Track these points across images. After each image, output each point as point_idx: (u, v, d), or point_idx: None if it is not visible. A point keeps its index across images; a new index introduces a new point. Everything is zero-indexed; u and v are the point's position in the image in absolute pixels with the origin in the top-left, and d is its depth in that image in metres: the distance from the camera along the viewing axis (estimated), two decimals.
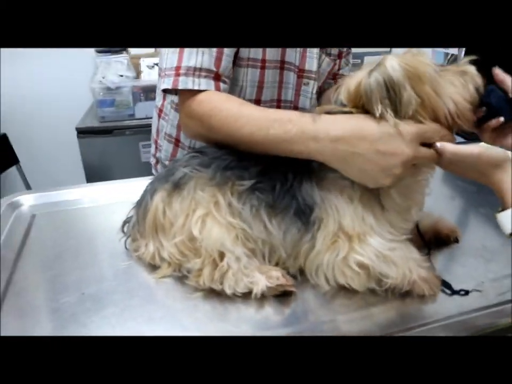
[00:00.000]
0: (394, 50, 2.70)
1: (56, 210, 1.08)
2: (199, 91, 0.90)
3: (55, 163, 2.75)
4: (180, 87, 0.90)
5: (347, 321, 0.74)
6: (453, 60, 2.14)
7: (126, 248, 0.90)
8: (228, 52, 0.94)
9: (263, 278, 0.77)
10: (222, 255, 0.78)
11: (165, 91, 0.96)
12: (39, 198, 1.12)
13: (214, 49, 0.91)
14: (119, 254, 0.89)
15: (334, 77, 1.30)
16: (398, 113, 0.72)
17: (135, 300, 0.78)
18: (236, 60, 1.02)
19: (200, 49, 0.91)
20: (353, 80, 0.76)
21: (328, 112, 0.78)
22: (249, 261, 0.78)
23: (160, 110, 1.25)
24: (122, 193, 1.10)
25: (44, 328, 0.72)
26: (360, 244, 0.77)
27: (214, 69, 0.91)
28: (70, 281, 0.82)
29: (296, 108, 1.16)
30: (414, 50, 0.76)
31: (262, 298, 0.77)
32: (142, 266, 0.85)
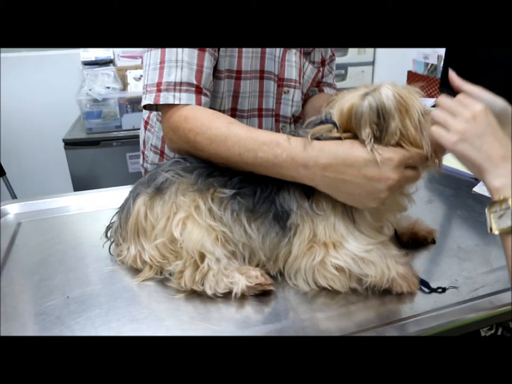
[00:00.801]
0: (378, 60, 2.76)
1: (41, 218, 1.10)
2: (182, 105, 0.91)
3: (43, 175, 2.76)
4: (161, 102, 0.92)
5: (326, 319, 0.76)
6: (433, 69, 2.20)
7: (110, 253, 0.92)
8: (207, 65, 0.95)
9: (243, 278, 0.79)
10: (202, 257, 0.80)
11: (146, 107, 0.98)
12: (24, 207, 1.14)
13: (194, 63, 0.93)
14: (103, 258, 0.91)
15: (318, 84, 1.34)
16: (381, 140, 0.75)
17: (119, 302, 0.80)
18: (215, 73, 1.04)
19: (180, 64, 0.92)
20: (346, 102, 0.78)
21: (318, 138, 0.79)
22: (229, 261, 0.81)
23: (146, 122, 1.28)
24: (108, 201, 1.13)
25: (28, 331, 0.74)
26: (336, 249, 0.80)
27: (195, 82, 0.93)
28: (54, 285, 0.84)
29: (277, 115, 1.20)
30: (410, 87, 0.79)
31: (243, 298, 0.80)
32: (125, 270, 0.87)
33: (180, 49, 0.92)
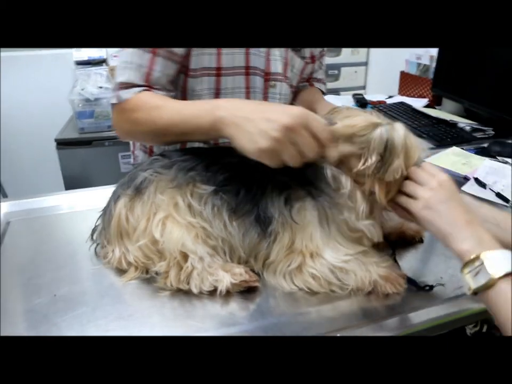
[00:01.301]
0: (371, 61, 2.78)
1: (31, 217, 1.11)
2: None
3: (35, 175, 2.76)
4: (117, 102, 1.00)
5: (311, 315, 0.78)
6: (425, 69, 2.22)
7: (96, 254, 0.93)
8: (159, 68, 1.00)
9: (227, 275, 0.80)
10: (185, 256, 0.81)
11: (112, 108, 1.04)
12: (13, 206, 1.15)
13: (145, 65, 0.99)
14: (91, 257, 0.92)
15: (308, 79, 1.36)
16: (380, 172, 0.77)
17: (106, 300, 0.81)
18: (188, 72, 1.08)
19: (130, 66, 0.99)
20: (356, 121, 0.79)
21: None
22: (212, 259, 0.82)
23: None
24: (99, 200, 1.13)
25: (16, 328, 0.75)
26: (312, 258, 0.82)
27: (143, 83, 0.99)
28: (42, 284, 0.85)
29: None
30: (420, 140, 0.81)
31: (228, 294, 0.81)
32: (112, 269, 0.88)
33: (134, 51, 0.99)
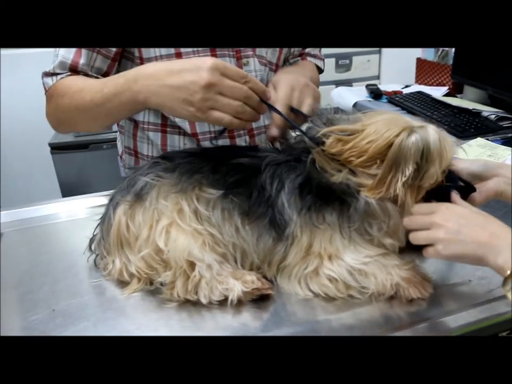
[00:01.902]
0: (385, 49, 2.76)
1: (25, 227, 1.11)
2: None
3: (29, 182, 2.77)
4: (46, 87, 1.04)
5: (329, 324, 0.77)
6: (444, 55, 2.20)
7: (96, 266, 0.92)
8: (83, 62, 1.03)
9: (238, 284, 0.79)
10: (192, 265, 0.80)
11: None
12: (6, 216, 1.14)
13: (69, 58, 1.02)
14: (90, 268, 0.92)
15: (301, 54, 1.34)
16: (415, 180, 0.77)
17: (108, 313, 0.80)
18: (142, 61, 1.09)
19: (56, 58, 1.03)
20: (381, 132, 0.78)
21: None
22: (221, 267, 0.81)
23: (118, 124, 1.29)
24: (96, 207, 1.13)
25: None
26: (330, 260, 0.81)
27: (68, 72, 1.03)
28: (39, 298, 0.85)
29: (251, 130, 1.20)
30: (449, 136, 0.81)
31: (239, 304, 0.80)
32: (113, 281, 0.88)
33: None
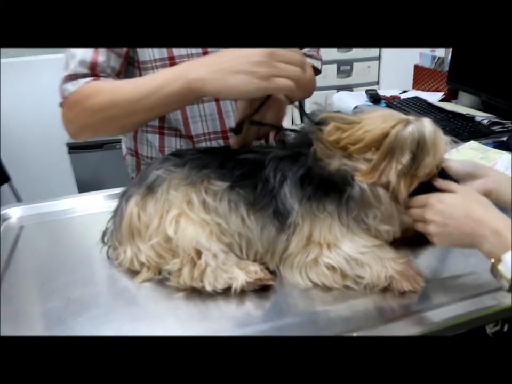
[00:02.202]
0: (384, 55, 2.76)
1: (44, 221, 1.12)
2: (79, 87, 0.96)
3: (48, 180, 2.79)
4: (65, 95, 0.97)
5: (327, 314, 0.78)
6: (440, 62, 2.20)
7: (108, 257, 0.93)
8: (103, 59, 0.98)
9: (242, 273, 0.80)
10: (199, 253, 0.81)
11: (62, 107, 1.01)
12: (27, 210, 1.16)
13: (89, 57, 0.97)
14: (104, 260, 0.93)
15: None
16: (411, 169, 0.78)
17: (119, 302, 0.82)
18: (139, 65, 1.07)
19: (73, 60, 0.97)
20: (377, 123, 0.79)
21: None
22: (226, 257, 0.82)
23: None
24: (111, 202, 1.14)
25: (31, 331, 0.76)
26: (329, 249, 0.82)
27: (89, 71, 0.97)
28: (56, 287, 0.86)
29: None
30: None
31: (242, 294, 0.81)
32: (125, 271, 0.89)
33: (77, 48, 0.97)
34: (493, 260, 0.69)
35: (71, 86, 0.96)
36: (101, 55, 0.98)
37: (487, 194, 0.82)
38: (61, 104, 1.00)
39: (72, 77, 0.97)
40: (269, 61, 0.79)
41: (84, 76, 0.96)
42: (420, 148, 0.77)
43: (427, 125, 0.78)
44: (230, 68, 0.80)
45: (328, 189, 0.82)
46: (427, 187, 0.80)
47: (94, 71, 0.97)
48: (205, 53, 1.07)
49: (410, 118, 0.79)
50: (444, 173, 0.82)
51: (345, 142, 0.79)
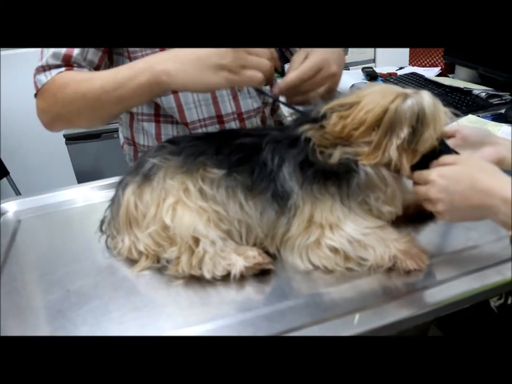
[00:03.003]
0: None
1: (41, 214, 1.11)
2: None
3: (46, 171, 2.78)
4: (39, 87, 0.96)
5: (330, 296, 0.76)
6: None
7: (107, 246, 0.92)
8: (78, 51, 0.96)
9: (240, 259, 0.79)
10: (197, 241, 0.80)
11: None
12: (24, 203, 1.15)
13: (63, 50, 0.95)
14: (102, 250, 0.92)
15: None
16: (410, 144, 0.76)
17: (119, 292, 0.80)
18: (128, 54, 1.05)
19: (46, 50, 0.96)
20: (376, 100, 0.77)
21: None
22: (224, 243, 0.81)
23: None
24: (110, 192, 1.12)
25: (31, 325, 0.75)
26: (332, 230, 0.80)
27: (62, 63, 0.96)
28: (55, 279, 0.85)
29: (240, 114, 1.14)
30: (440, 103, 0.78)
31: (242, 279, 0.79)
32: (124, 261, 0.87)
33: None
34: (510, 233, 0.66)
35: (44, 77, 0.95)
36: (76, 49, 0.96)
37: (500, 161, 0.80)
38: (35, 95, 0.99)
39: (45, 68, 0.96)
40: (236, 54, 0.79)
41: (57, 66, 0.96)
42: (419, 121, 0.75)
43: (426, 98, 0.76)
44: (197, 61, 0.81)
45: (329, 174, 0.80)
46: (429, 159, 0.78)
47: (67, 62, 0.96)
48: None
49: (409, 91, 0.77)
50: (443, 144, 0.80)
51: (349, 128, 0.77)
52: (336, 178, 0.80)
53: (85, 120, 0.98)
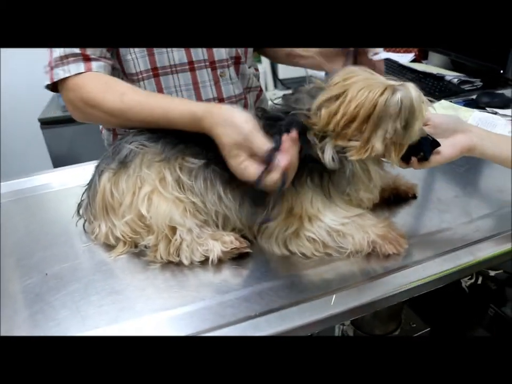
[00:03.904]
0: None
1: (19, 198, 1.08)
2: (74, 77, 0.91)
3: (21, 157, 2.71)
4: (54, 80, 0.92)
5: (308, 277, 0.77)
6: None
7: (84, 230, 0.91)
8: None
9: (218, 244, 0.79)
10: (173, 230, 0.79)
11: (50, 89, 0.97)
12: (1, 187, 1.11)
13: None
14: (80, 234, 0.91)
15: None
16: (403, 137, 0.74)
17: (97, 275, 0.80)
18: (127, 76, 1.04)
19: None
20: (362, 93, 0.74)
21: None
22: (201, 230, 0.80)
23: None
24: (86, 176, 1.09)
25: (9, 310, 0.74)
26: (310, 222, 0.80)
27: (79, 51, 0.92)
28: (32, 264, 0.84)
29: (222, 100, 1.14)
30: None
31: (220, 262, 0.80)
32: (101, 245, 0.87)
33: None
34: None
35: (62, 72, 0.91)
36: None
37: (471, 148, 0.81)
38: (51, 87, 0.96)
39: (63, 58, 0.91)
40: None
41: (74, 55, 0.91)
42: (410, 114, 0.73)
43: (413, 91, 0.74)
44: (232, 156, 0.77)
45: (312, 167, 0.79)
46: (414, 149, 0.78)
47: (83, 50, 0.92)
48: (191, 63, 1.06)
49: (394, 83, 0.75)
50: (423, 132, 0.80)
51: (342, 125, 0.75)
52: (320, 171, 0.80)
53: (120, 125, 0.99)
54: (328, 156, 0.77)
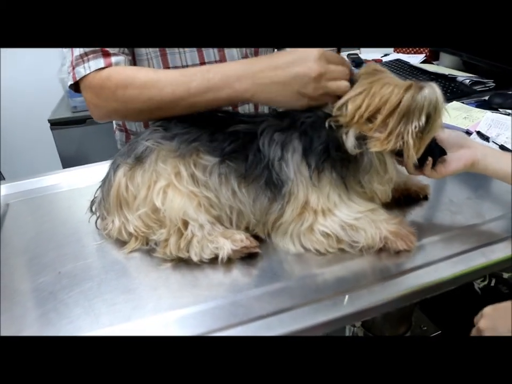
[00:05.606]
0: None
1: (30, 198, 1.10)
2: (99, 71, 0.90)
3: (31, 157, 2.74)
4: (77, 78, 0.92)
5: (320, 276, 0.78)
6: None
7: (96, 227, 0.92)
8: None
9: (228, 242, 0.80)
10: (186, 224, 0.80)
11: (72, 89, 0.97)
12: (12, 188, 1.13)
13: None
14: (92, 233, 0.92)
15: None
16: (424, 132, 0.76)
17: (110, 274, 0.81)
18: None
19: None
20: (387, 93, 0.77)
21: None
22: (212, 227, 0.81)
23: None
24: (96, 176, 1.11)
25: (22, 308, 0.75)
26: (324, 216, 0.81)
27: (98, 48, 0.91)
28: (45, 262, 0.85)
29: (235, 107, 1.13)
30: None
31: (229, 262, 0.81)
32: (114, 243, 0.88)
33: None
34: None
35: (83, 70, 0.91)
36: None
37: (475, 163, 0.84)
38: (74, 87, 0.96)
39: (83, 56, 0.91)
40: (317, 84, 0.80)
41: (94, 52, 0.91)
42: (434, 110, 0.75)
43: (437, 89, 0.76)
44: (280, 86, 0.82)
45: (324, 156, 0.81)
46: (426, 152, 0.80)
47: (104, 53, 0.92)
48: (202, 64, 1.06)
49: (418, 83, 0.77)
50: (433, 140, 0.83)
51: (366, 117, 0.78)
52: (341, 160, 0.81)
53: (144, 118, 1.00)
54: (351, 139, 0.79)
